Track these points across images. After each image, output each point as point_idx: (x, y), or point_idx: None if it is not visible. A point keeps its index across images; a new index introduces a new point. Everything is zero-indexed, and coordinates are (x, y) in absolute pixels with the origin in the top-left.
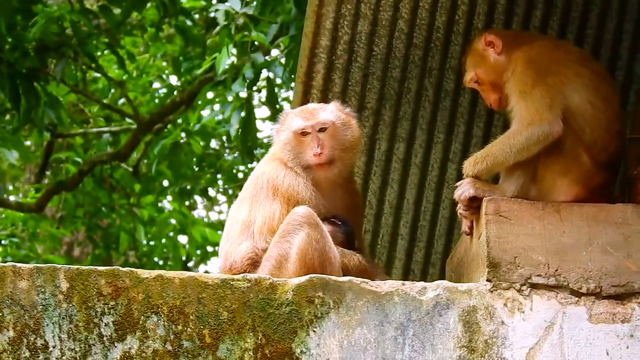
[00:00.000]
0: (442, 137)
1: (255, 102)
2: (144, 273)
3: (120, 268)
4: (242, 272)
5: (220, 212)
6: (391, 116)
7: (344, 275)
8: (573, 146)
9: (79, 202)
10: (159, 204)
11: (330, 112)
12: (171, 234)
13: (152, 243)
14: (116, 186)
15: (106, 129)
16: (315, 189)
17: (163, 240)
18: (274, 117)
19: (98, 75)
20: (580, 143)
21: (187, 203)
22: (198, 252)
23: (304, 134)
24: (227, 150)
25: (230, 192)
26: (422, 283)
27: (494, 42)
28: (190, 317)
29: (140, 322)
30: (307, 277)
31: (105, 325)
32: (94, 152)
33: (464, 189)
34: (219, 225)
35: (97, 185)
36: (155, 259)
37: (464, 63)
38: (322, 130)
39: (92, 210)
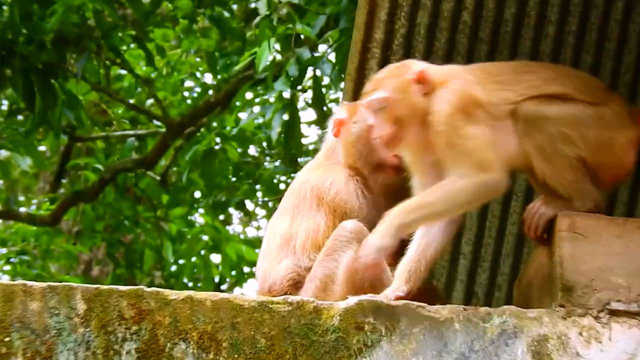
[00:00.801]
0: None
1: (300, 103)
2: (172, 294)
3: (145, 288)
4: (283, 294)
5: (258, 228)
6: None
7: None
8: None
9: (99, 215)
10: (190, 218)
11: None
12: (203, 252)
13: (181, 262)
14: (141, 197)
15: (131, 132)
16: (365, 195)
17: (193, 259)
18: (320, 121)
19: (123, 72)
20: None
21: (221, 217)
22: (233, 272)
23: None
24: (268, 158)
25: (271, 205)
26: (486, 308)
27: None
28: (223, 344)
29: (167, 349)
30: (356, 299)
31: (127, 353)
32: (117, 159)
33: (539, 212)
34: (257, 243)
35: (119, 195)
36: (185, 280)
37: (378, 80)
38: None
39: (113, 224)
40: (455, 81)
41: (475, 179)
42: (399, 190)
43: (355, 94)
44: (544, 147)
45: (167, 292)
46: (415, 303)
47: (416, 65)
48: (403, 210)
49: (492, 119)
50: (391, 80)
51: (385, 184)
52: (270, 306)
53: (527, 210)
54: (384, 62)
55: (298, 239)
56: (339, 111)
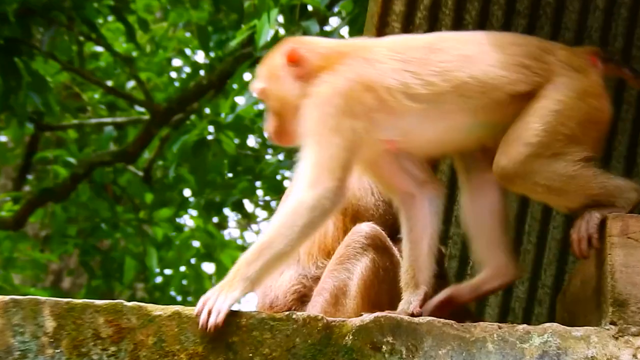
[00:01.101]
0: None
1: None
2: (156, 309)
3: (125, 302)
4: (287, 310)
5: (258, 232)
6: None
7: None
8: None
9: (71, 217)
10: (178, 221)
11: None
12: (193, 260)
13: (167, 272)
14: (121, 196)
15: (109, 119)
16: (381, 192)
17: (182, 269)
18: None
19: (99, 49)
20: None
21: (215, 220)
22: None
23: None
24: (270, 150)
25: (273, 204)
26: (524, 326)
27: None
28: None
29: None
30: (372, 316)
31: None
32: (92, 151)
33: (590, 219)
34: None
35: (95, 194)
36: (172, 293)
37: (260, 65)
38: None
39: (88, 227)
40: (347, 61)
41: (310, 194)
42: None
43: None
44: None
45: (151, 307)
46: (442, 320)
47: (293, 43)
48: (244, 261)
49: (382, 108)
50: (265, 65)
51: None
52: (272, 323)
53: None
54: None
55: None
56: None
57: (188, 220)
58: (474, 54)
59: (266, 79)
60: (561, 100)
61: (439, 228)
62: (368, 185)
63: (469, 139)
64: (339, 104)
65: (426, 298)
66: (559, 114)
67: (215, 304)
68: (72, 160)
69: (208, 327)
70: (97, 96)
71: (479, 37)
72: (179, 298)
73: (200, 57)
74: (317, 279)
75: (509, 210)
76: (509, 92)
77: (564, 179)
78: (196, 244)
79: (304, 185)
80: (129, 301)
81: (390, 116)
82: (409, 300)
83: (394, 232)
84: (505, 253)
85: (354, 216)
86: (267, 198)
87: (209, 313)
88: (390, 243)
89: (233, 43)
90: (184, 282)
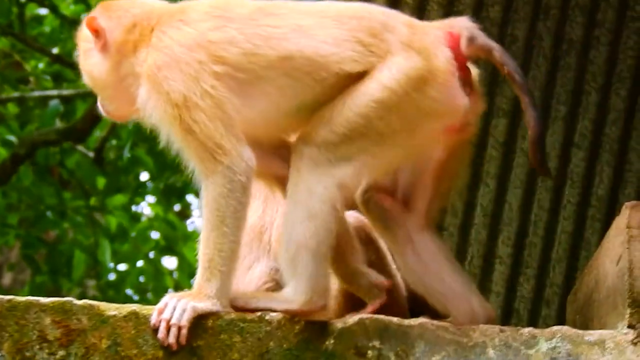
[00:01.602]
0: (563, 111)
1: None
2: (110, 309)
3: (75, 301)
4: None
5: None
6: (487, 77)
7: (411, 317)
8: None
9: (11, 204)
10: (134, 209)
11: None
12: (152, 254)
13: (122, 267)
14: (69, 180)
15: (55, 92)
16: None
17: (139, 263)
18: None
19: (43, 11)
20: None
21: (176, 207)
22: (192, 281)
23: None
24: None
25: None
26: (530, 330)
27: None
28: None
29: None
30: (356, 317)
31: None
32: (35, 128)
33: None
34: None
35: (39, 178)
36: (128, 291)
37: None
38: None
39: (31, 216)
40: (163, 28)
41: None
42: None
43: None
44: None
45: (104, 306)
46: (435, 322)
47: (99, 8)
48: (201, 276)
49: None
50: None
51: None
52: (242, 325)
53: None
54: (419, 11)
55: (273, 232)
56: None
57: (145, 208)
58: (309, 26)
59: (80, 55)
60: (387, 87)
61: None
62: None
63: (296, 121)
64: (178, 78)
65: (389, 288)
66: (380, 104)
67: (173, 316)
68: (12, 138)
69: (169, 344)
70: (41, 65)
71: (321, 7)
72: (136, 297)
73: None
74: None
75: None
76: (337, 72)
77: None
78: (155, 235)
79: (203, 175)
80: (80, 300)
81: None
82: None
83: None
84: (466, 296)
85: None
86: None
87: (168, 327)
88: (376, 235)
89: None
90: (142, 278)
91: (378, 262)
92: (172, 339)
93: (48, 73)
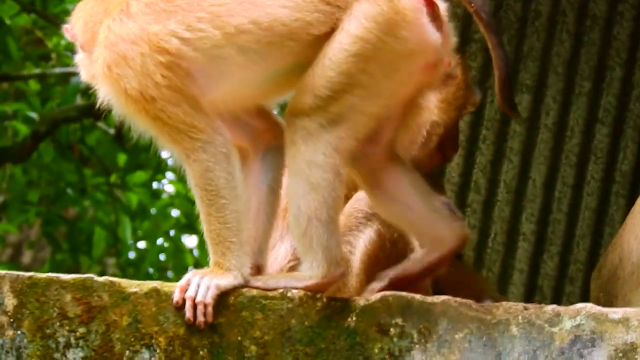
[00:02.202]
0: (586, 87)
1: None
2: (132, 286)
3: (96, 277)
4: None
5: None
6: (509, 52)
7: (434, 294)
8: None
9: (32, 181)
10: (155, 186)
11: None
12: (172, 231)
13: (142, 245)
14: (89, 157)
15: (76, 69)
16: None
17: (160, 241)
18: None
19: None
20: None
21: None
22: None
23: None
24: None
25: None
26: (554, 307)
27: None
28: (200, 352)
29: (125, 359)
30: (378, 295)
31: None
32: (56, 105)
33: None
34: None
35: (60, 155)
36: (148, 269)
37: None
38: None
39: (52, 193)
40: (107, 24)
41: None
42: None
43: None
44: None
45: (125, 283)
46: (459, 300)
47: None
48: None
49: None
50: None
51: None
52: (264, 302)
53: None
54: None
55: None
56: None
57: (166, 185)
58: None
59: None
60: (360, 37)
61: (278, 184)
62: None
63: (277, 87)
64: (129, 74)
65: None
66: (357, 57)
67: (198, 293)
68: (33, 115)
69: (196, 324)
70: (62, 42)
71: None
72: (156, 276)
73: None
74: None
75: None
76: (306, 37)
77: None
78: (175, 212)
79: (184, 156)
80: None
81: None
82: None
83: None
84: (433, 223)
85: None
86: None
87: (194, 306)
88: None
89: None
90: (162, 256)
91: (400, 241)
92: (200, 317)
93: (69, 50)
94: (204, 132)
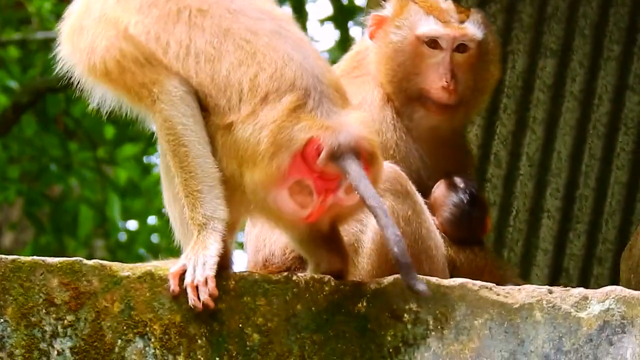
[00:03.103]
0: (616, 50)
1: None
2: (124, 269)
3: (85, 261)
4: (285, 270)
5: None
6: (532, 14)
7: (451, 277)
8: None
9: (12, 156)
10: (146, 160)
11: (477, 24)
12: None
13: (133, 226)
14: (75, 130)
15: None
16: (404, 131)
17: (152, 220)
18: (339, 17)
19: None
20: None
21: None
22: None
23: (433, 45)
24: None
25: None
26: (581, 290)
27: None
28: (198, 341)
29: (116, 349)
30: (391, 278)
31: (59, 354)
32: (39, 74)
33: None
34: None
35: (42, 127)
36: (140, 250)
37: None
38: (461, 50)
39: (34, 169)
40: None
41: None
42: (450, 140)
43: None
44: None
45: (116, 266)
46: (478, 283)
47: None
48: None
49: None
50: None
51: (427, 127)
52: (267, 287)
53: None
54: None
55: None
56: (384, 5)
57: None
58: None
59: None
60: None
61: None
62: (391, 120)
63: None
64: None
65: None
66: None
67: (196, 274)
68: (13, 84)
69: (203, 307)
70: (46, 5)
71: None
72: (149, 258)
73: None
74: None
75: None
76: None
77: None
78: None
79: (149, 111)
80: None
81: None
82: None
83: (418, 178)
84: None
85: None
86: None
87: (195, 288)
88: (413, 187)
89: None
90: (154, 237)
91: (415, 219)
92: (204, 296)
93: (53, 13)
94: (158, 84)
